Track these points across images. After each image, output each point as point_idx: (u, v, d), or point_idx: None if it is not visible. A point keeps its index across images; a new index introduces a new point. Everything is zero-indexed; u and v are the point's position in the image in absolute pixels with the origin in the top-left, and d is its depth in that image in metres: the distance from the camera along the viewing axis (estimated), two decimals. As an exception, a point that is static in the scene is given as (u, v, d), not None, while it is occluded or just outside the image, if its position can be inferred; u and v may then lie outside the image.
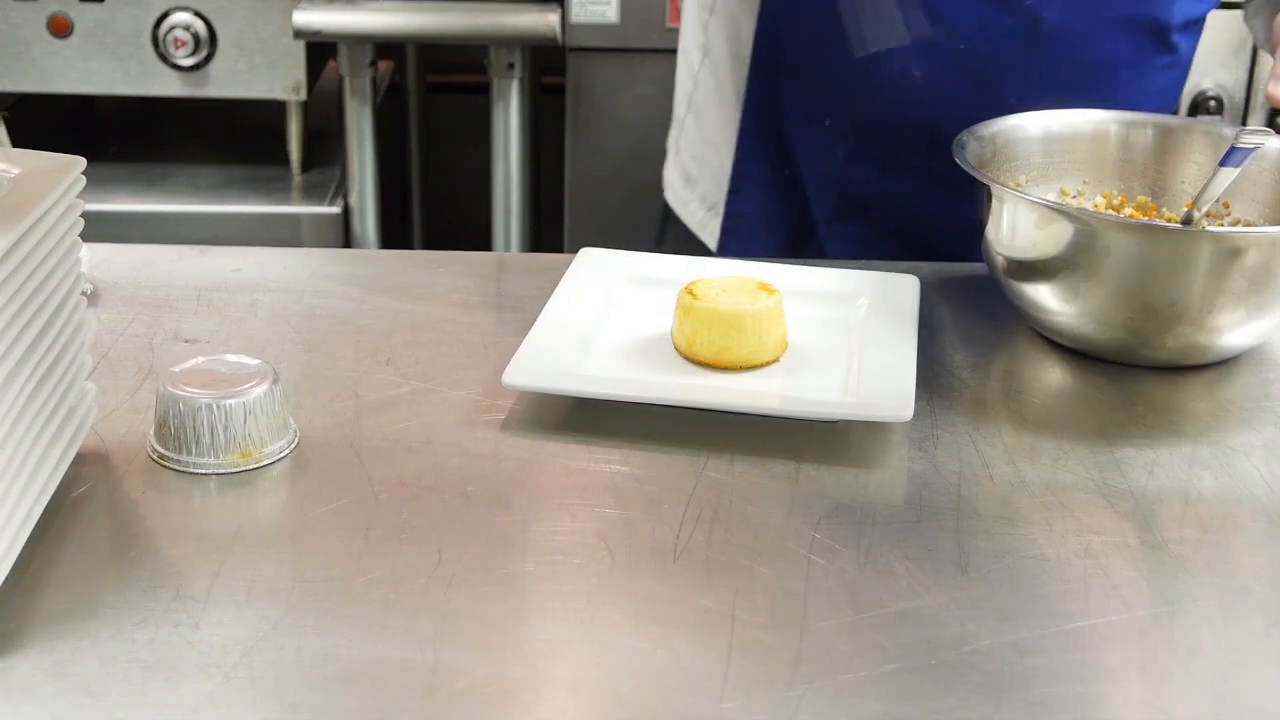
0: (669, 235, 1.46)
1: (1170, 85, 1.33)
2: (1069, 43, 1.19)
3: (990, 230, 1.09)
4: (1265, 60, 2.28)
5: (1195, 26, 1.32)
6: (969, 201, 1.12)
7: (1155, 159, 1.19)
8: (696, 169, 1.43)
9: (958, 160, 1.09)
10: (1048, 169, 1.19)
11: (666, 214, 1.48)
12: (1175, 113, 1.28)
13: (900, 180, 1.29)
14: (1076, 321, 1.05)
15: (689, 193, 1.44)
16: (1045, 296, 1.06)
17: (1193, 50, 1.34)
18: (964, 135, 1.13)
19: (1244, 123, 2.29)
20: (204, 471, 0.89)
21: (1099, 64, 1.23)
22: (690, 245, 1.43)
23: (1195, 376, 1.06)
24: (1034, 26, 1.16)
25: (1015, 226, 1.06)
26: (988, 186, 1.07)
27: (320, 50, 2.21)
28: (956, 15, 1.21)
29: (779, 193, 1.34)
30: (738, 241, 1.38)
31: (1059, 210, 1.03)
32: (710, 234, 1.42)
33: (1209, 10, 1.34)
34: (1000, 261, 1.09)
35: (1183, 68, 1.32)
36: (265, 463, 0.90)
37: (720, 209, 1.39)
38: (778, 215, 1.36)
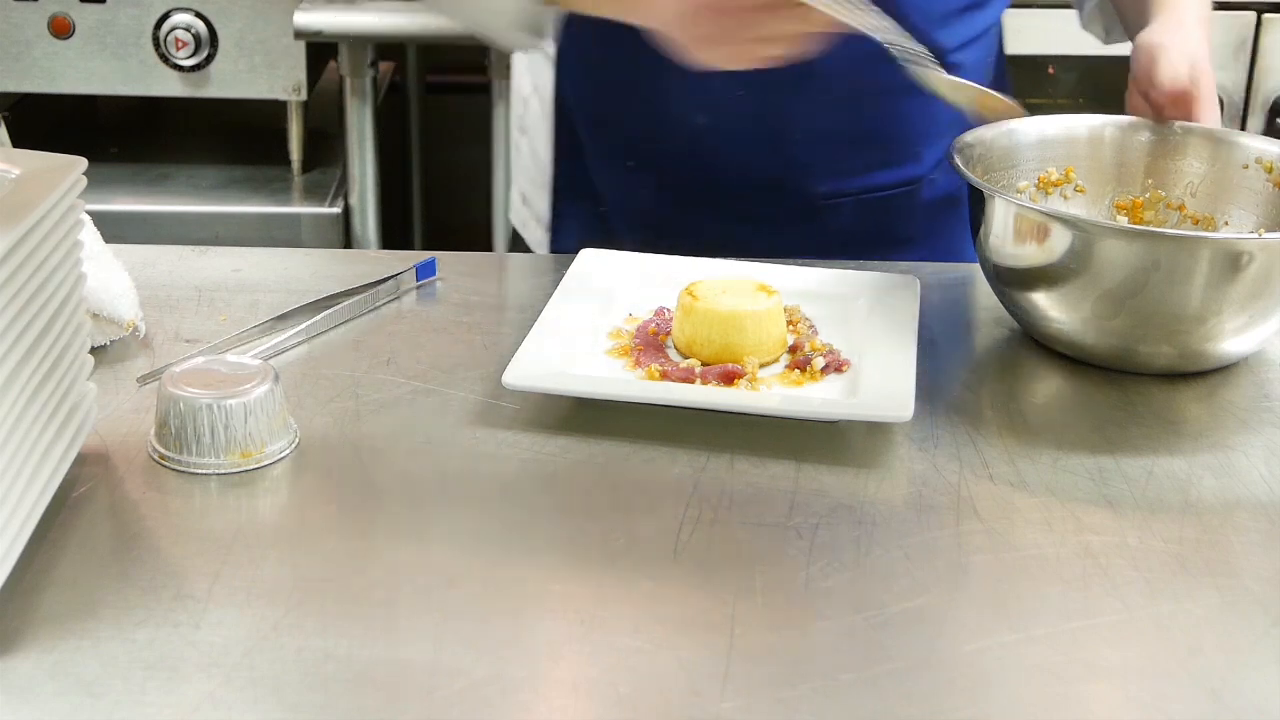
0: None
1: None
2: (836, 79, 1.21)
3: (983, 237, 1.08)
4: (1265, 61, 2.28)
5: (978, 41, 1.30)
6: (766, 233, 1.17)
7: (1153, 161, 1.19)
8: (531, 190, 1.42)
9: (953, 166, 1.08)
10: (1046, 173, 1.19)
11: (515, 235, 1.48)
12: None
13: (696, 213, 1.30)
14: (1074, 330, 1.04)
15: (526, 212, 1.43)
16: (1042, 304, 1.05)
17: (988, 57, 1.32)
18: (958, 141, 1.12)
19: (1243, 125, 2.29)
20: (204, 472, 0.89)
21: (870, 91, 1.24)
22: None
23: (1195, 378, 1.06)
24: (804, 67, 1.19)
25: (1009, 234, 1.05)
26: (981, 192, 1.06)
27: (321, 50, 2.21)
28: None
29: (595, 233, 1.33)
30: None
31: (1055, 217, 1.02)
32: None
33: (993, 24, 1.30)
34: (995, 270, 1.08)
35: (973, 70, 1.28)
36: (266, 463, 0.90)
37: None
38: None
